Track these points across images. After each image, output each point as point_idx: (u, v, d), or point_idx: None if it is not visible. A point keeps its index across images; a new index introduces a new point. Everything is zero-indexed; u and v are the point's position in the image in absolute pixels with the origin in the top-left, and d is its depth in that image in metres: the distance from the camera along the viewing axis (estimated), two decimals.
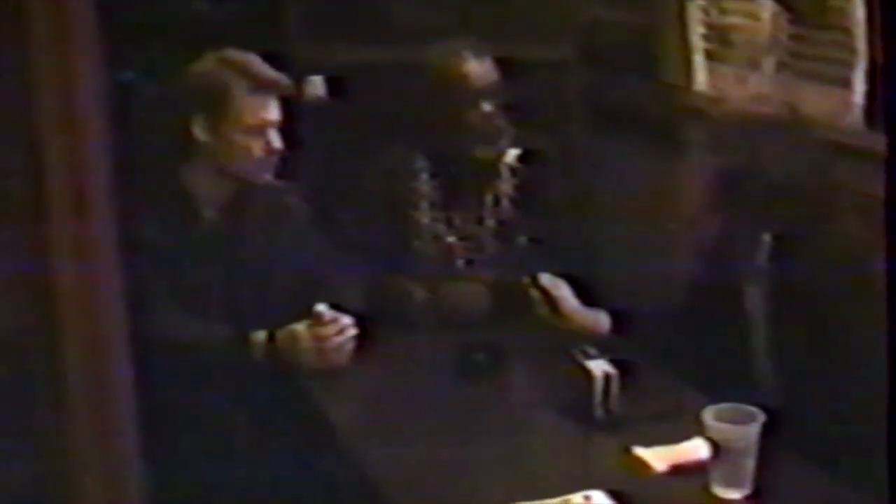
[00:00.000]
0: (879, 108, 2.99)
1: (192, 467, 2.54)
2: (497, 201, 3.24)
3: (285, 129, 2.87)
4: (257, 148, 2.82)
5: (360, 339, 2.79)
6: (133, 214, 2.58)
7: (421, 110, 3.22)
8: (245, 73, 2.80)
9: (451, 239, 3.23)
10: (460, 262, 3.24)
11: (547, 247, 3.16)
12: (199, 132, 2.80)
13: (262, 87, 2.81)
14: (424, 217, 3.22)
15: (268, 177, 2.89)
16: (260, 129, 2.82)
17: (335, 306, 2.79)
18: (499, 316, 3.07)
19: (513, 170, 3.24)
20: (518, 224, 3.23)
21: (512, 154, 3.23)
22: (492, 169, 3.23)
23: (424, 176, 3.23)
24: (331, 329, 2.75)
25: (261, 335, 2.77)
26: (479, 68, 3.18)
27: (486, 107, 3.15)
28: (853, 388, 2.30)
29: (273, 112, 2.83)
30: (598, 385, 2.49)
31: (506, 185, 3.24)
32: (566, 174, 3.36)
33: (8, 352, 1.55)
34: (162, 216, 2.80)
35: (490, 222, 3.23)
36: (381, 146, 3.35)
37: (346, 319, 2.77)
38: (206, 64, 2.85)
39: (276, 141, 2.84)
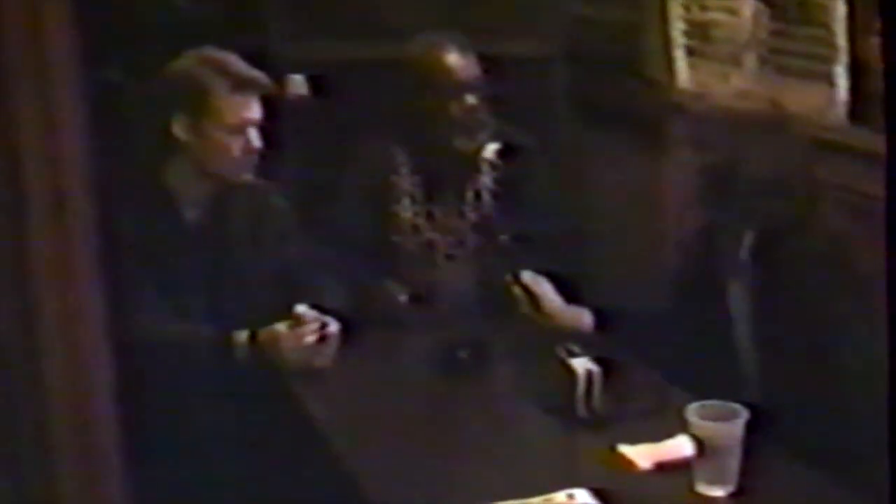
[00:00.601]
0: (869, 107, 2.99)
1: (174, 467, 2.53)
2: (478, 196, 3.24)
3: (267, 127, 2.86)
4: (237, 147, 2.81)
5: (343, 337, 2.79)
6: (114, 214, 2.56)
7: (402, 103, 3.22)
8: (225, 72, 2.79)
9: (431, 234, 3.22)
10: (441, 257, 3.23)
11: (529, 243, 3.16)
12: (180, 131, 2.79)
13: (242, 86, 2.80)
14: (405, 211, 3.22)
15: (247, 176, 2.88)
16: (240, 129, 2.81)
17: (316, 306, 2.78)
18: (482, 313, 3.07)
19: (493, 164, 3.24)
20: (499, 219, 3.22)
21: (491, 148, 3.22)
22: (472, 163, 3.22)
23: (405, 170, 3.23)
24: (311, 329, 2.74)
25: (243, 335, 2.76)
26: (461, 61, 3.19)
27: (469, 99, 3.16)
28: (837, 385, 2.31)
29: (254, 111, 2.82)
30: (582, 383, 2.48)
31: (486, 180, 3.24)
32: (548, 170, 3.36)
33: None
34: (143, 216, 2.79)
35: (471, 216, 3.23)
36: (361, 142, 3.35)
37: (327, 319, 2.76)
38: (186, 62, 2.84)
39: (255, 140, 2.83)
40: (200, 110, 2.78)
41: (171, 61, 2.87)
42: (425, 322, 3.03)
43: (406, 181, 3.22)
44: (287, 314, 2.77)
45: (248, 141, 2.82)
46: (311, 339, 2.75)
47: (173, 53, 2.89)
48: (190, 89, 2.78)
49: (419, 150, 3.23)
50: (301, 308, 2.76)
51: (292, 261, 2.98)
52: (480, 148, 3.21)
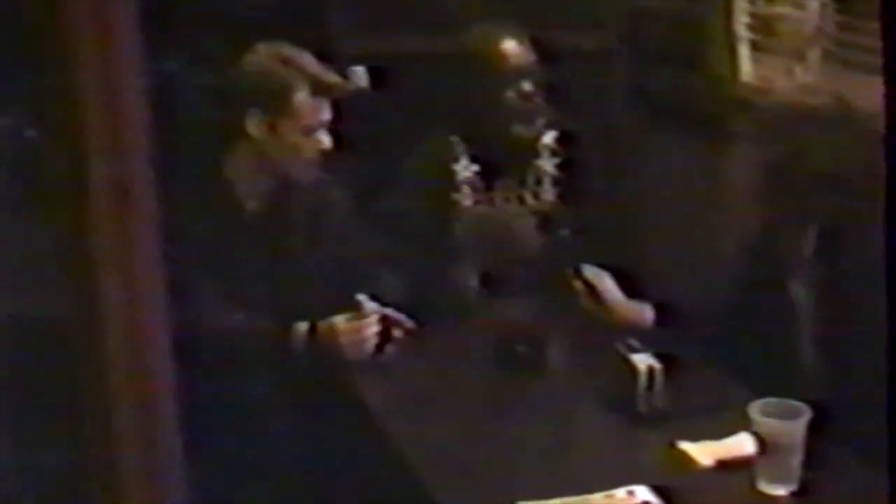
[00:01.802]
0: None
1: (232, 456, 2.54)
2: (539, 182, 3.23)
3: (332, 125, 2.87)
4: (308, 148, 2.83)
5: (402, 330, 2.79)
6: (176, 205, 2.57)
7: (460, 92, 3.22)
8: (306, 74, 2.80)
9: (495, 221, 3.23)
10: (504, 243, 3.24)
11: (589, 237, 3.14)
12: (253, 128, 2.79)
13: (322, 90, 2.81)
14: (467, 200, 3.21)
15: (313, 175, 2.89)
16: (313, 130, 2.82)
17: (376, 298, 2.78)
18: (541, 307, 3.05)
19: (552, 150, 3.23)
20: (560, 208, 3.22)
21: (550, 135, 3.22)
22: (531, 150, 3.22)
23: (465, 159, 3.22)
24: (371, 321, 2.74)
25: (302, 326, 2.77)
26: (516, 48, 3.19)
27: (526, 86, 3.16)
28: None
29: (327, 113, 2.83)
30: (643, 379, 2.46)
31: (547, 166, 3.24)
32: (608, 160, 3.35)
33: (51, 341, 1.55)
34: (205, 207, 2.79)
35: (532, 204, 3.23)
36: (421, 132, 3.35)
37: (388, 311, 2.76)
38: (262, 59, 2.84)
39: (326, 141, 2.84)
40: (278, 109, 2.79)
41: (241, 54, 2.87)
42: (486, 314, 3.02)
43: (466, 170, 3.22)
44: (346, 306, 2.77)
45: (318, 142, 2.83)
46: (370, 331, 2.75)
47: (238, 46, 2.89)
48: (270, 88, 2.80)
49: (478, 139, 3.22)
50: (362, 297, 2.76)
51: (352, 252, 2.98)
52: (539, 135, 3.21)
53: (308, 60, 2.83)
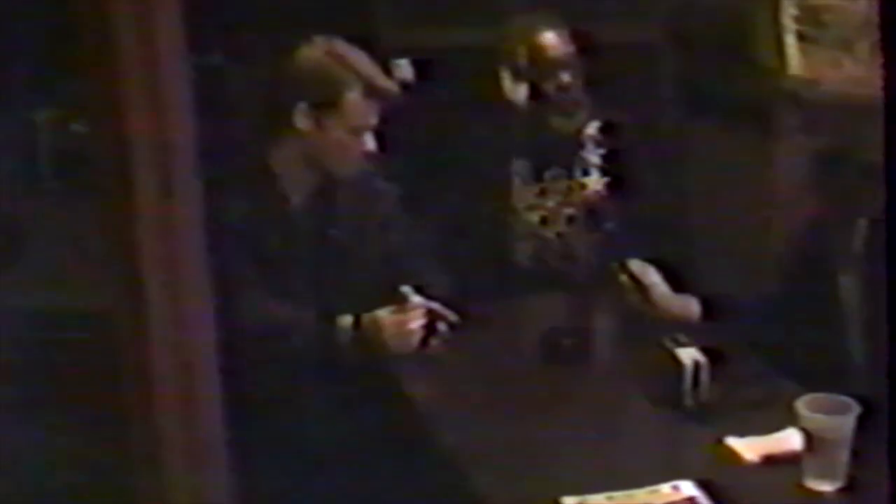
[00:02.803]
0: None
1: (276, 449, 2.54)
2: (586, 173, 3.23)
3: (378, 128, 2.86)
4: (354, 148, 2.82)
5: (447, 323, 2.78)
6: (220, 196, 2.57)
7: (500, 84, 3.21)
8: (360, 75, 2.78)
9: (542, 213, 3.22)
10: (552, 236, 3.24)
11: (636, 230, 3.13)
12: (301, 120, 2.78)
13: (374, 93, 2.80)
14: (516, 191, 3.21)
15: (355, 173, 2.88)
16: (360, 131, 2.81)
17: (421, 290, 2.78)
18: (588, 301, 3.04)
19: (597, 141, 3.23)
20: (607, 200, 3.21)
21: (593, 125, 3.22)
22: (575, 140, 3.22)
23: (513, 152, 3.22)
24: (417, 314, 2.74)
25: (347, 319, 2.76)
26: (554, 39, 3.18)
27: (564, 77, 3.15)
28: None
29: (374, 117, 2.82)
30: (688, 373, 2.45)
31: (592, 157, 3.23)
32: (654, 153, 3.33)
33: (96, 330, 1.56)
34: (250, 199, 2.80)
35: (580, 194, 3.22)
36: (467, 125, 3.35)
37: (433, 304, 2.76)
38: (316, 53, 2.82)
39: (371, 144, 2.83)
40: (329, 107, 2.78)
41: (285, 49, 2.86)
42: (532, 307, 3.01)
43: (514, 161, 3.22)
44: (391, 299, 2.77)
45: (364, 143, 2.82)
46: (415, 324, 2.75)
47: (279, 39, 2.89)
48: (322, 84, 2.78)
49: (524, 131, 3.22)
50: (407, 289, 2.76)
51: (398, 246, 2.97)
52: (581, 126, 3.21)
53: (363, 60, 2.81)
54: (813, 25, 3.69)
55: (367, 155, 2.83)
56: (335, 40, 2.84)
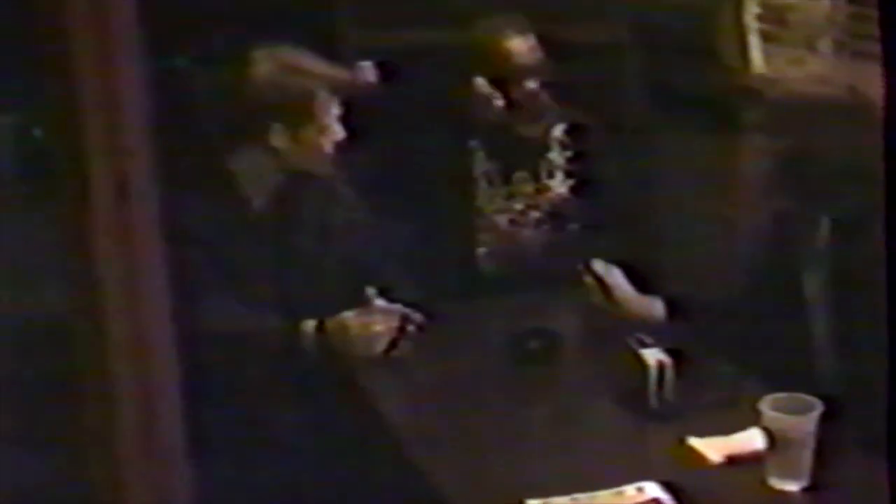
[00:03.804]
0: None
1: (238, 454, 2.53)
2: (551, 175, 3.24)
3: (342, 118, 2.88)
4: (327, 143, 2.84)
5: (413, 326, 2.78)
6: (179, 201, 2.57)
7: (467, 89, 3.22)
8: (319, 78, 2.81)
9: (510, 215, 3.23)
10: (519, 237, 3.24)
11: (600, 231, 3.14)
12: (277, 139, 2.81)
13: (338, 88, 2.83)
14: (483, 195, 3.21)
15: (329, 168, 2.90)
16: (329, 125, 2.83)
17: (386, 293, 2.78)
18: (554, 303, 3.05)
19: (563, 144, 3.23)
20: (572, 201, 3.22)
21: (559, 128, 3.22)
22: (541, 143, 3.22)
23: (480, 154, 3.23)
24: (381, 318, 2.74)
25: (310, 324, 2.76)
26: (521, 45, 3.19)
27: (530, 84, 3.16)
28: None
29: (336, 107, 2.85)
30: (653, 374, 2.45)
31: (557, 159, 3.24)
32: (619, 153, 3.34)
33: (53, 337, 1.55)
34: (210, 204, 2.79)
35: (546, 196, 3.23)
36: (432, 127, 3.35)
37: (395, 307, 2.76)
38: (266, 69, 2.85)
39: (340, 132, 2.85)
40: (300, 118, 2.81)
41: (243, 62, 2.87)
42: (498, 309, 3.01)
43: (481, 164, 3.22)
44: (356, 302, 2.77)
45: (334, 134, 2.84)
46: (381, 327, 2.75)
47: (242, 42, 2.89)
48: (284, 96, 2.81)
49: (490, 134, 3.22)
50: (371, 291, 2.76)
51: (362, 249, 2.98)
52: (547, 129, 3.21)
53: (312, 61, 2.84)
54: (776, 24, 3.70)
55: (339, 143, 2.85)
56: (280, 51, 2.86)
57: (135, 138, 1.35)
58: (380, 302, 2.77)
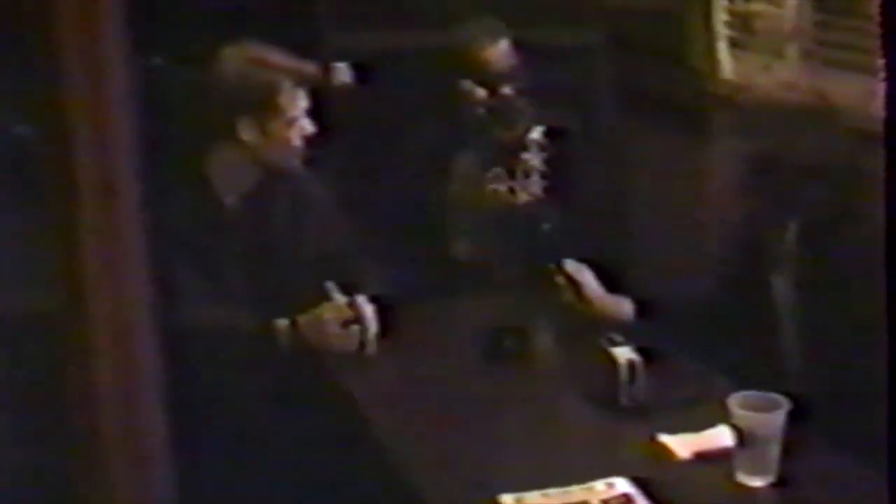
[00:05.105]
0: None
1: (217, 451, 2.54)
2: (527, 175, 3.26)
3: (314, 115, 2.89)
4: (295, 136, 2.85)
5: (386, 323, 2.80)
6: (161, 200, 2.58)
7: (443, 92, 3.24)
8: (285, 71, 2.82)
9: (484, 214, 3.25)
10: (494, 237, 3.26)
11: (573, 231, 3.17)
12: (246, 132, 2.82)
13: (304, 82, 2.84)
14: (457, 194, 3.23)
15: (298, 163, 2.91)
16: (297, 119, 2.85)
17: (360, 292, 2.79)
18: (526, 301, 3.07)
19: (540, 145, 3.26)
20: (547, 201, 3.24)
21: (538, 130, 3.25)
22: (518, 145, 3.25)
23: (454, 155, 3.25)
24: (353, 313, 2.75)
25: (284, 321, 2.78)
26: (497, 52, 3.21)
27: (505, 90, 3.18)
28: (880, 376, 2.29)
29: (304, 100, 2.86)
30: (623, 372, 2.48)
31: (534, 160, 3.26)
32: (592, 156, 3.37)
33: (37, 335, 1.56)
34: (187, 203, 2.81)
35: (521, 196, 3.25)
36: (409, 127, 3.37)
37: (367, 303, 2.78)
38: (235, 62, 2.86)
39: (309, 126, 2.86)
40: (268, 110, 2.82)
41: (219, 54, 2.88)
42: (471, 307, 3.03)
43: (458, 163, 3.25)
44: (328, 299, 2.78)
45: (303, 128, 2.85)
46: (354, 325, 2.76)
47: (221, 41, 2.90)
48: (251, 89, 2.82)
49: (467, 135, 3.25)
50: (330, 285, 2.78)
51: (335, 248, 2.99)
52: (524, 132, 3.24)
53: (279, 56, 2.85)
54: (744, 31, 3.74)
55: (308, 139, 2.86)
56: (249, 44, 2.88)
57: (120, 137, 1.36)
58: (337, 296, 2.78)
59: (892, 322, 1.46)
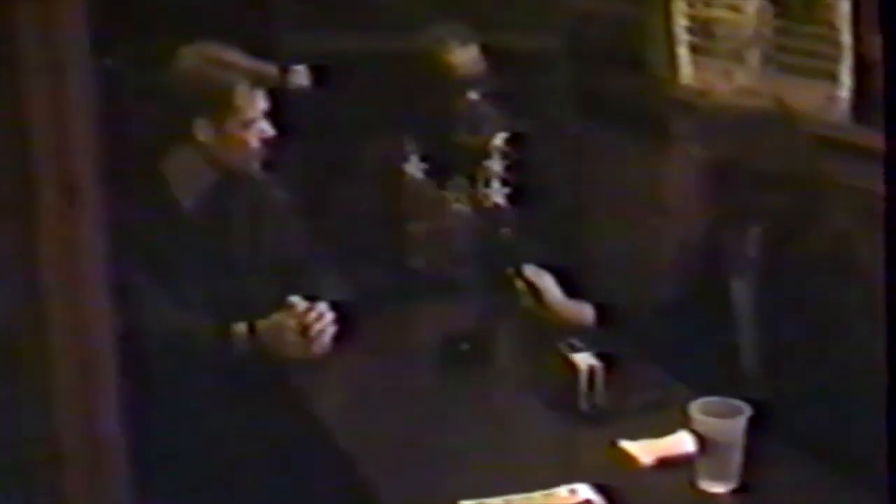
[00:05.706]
0: (873, 106, 2.99)
1: (176, 457, 2.53)
2: (488, 183, 3.26)
3: (271, 118, 2.88)
4: (254, 139, 2.84)
5: (344, 328, 2.79)
6: (120, 204, 2.56)
7: (407, 98, 3.23)
8: (241, 71, 2.81)
9: (443, 220, 3.24)
10: (453, 244, 3.25)
11: (533, 237, 3.16)
12: (202, 134, 2.80)
13: (260, 82, 2.83)
14: (416, 199, 3.22)
15: (257, 166, 2.89)
16: (255, 121, 2.83)
17: (314, 297, 2.78)
18: (485, 307, 3.06)
19: (503, 152, 3.25)
20: (507, 209, 3.24)
21: (500, 136, 3.24)
22: (481, 151, 3.24)
23: (415, 159, 3.24)
24: (310, 318, 2.74)
25: (242, 326, 2.76)
26: (464, 57, 3.20)
27: (472, 95, 3.17)
28: (841, 381, 2.31)
29: (263, 102, 2.85)
30: (584, 378, 2.48)
31: (495, 167, 3.25)
32: (552, 162, 3.37)
33: None
34: (146, 207, 2.79)
35: (482, 203, 3.24)
36: (368, 131, 3.35)
37: (324, 308, 2.76)
38: (192, 62, 2.84)
39: (268, 129, 2.85)
40: (222, 111, 2.80)
41: (172, 58, 2.87)
42: (430, 312, 3.03)
43: (417, 169, 3.23)
44: (287, 305, 2.77)
45: (262, 130, 2.84)
46: (313, 329, 2.75)
47: (177, 43, 2.89)
48: (210, 90, 2.80)
49: (427, 140, 3.23)
50: (294, 298, 2.76)
51: (293, 252, 2.98)
52: (488, 138, 3.23)
53: (237, 56, 2.84)
54: (704, 37, 3.76)
55: (266, 141, 2.85)
56: (206, 45, 2.86)
57: (80, 140, 1.35)
58: (294, 299, 2.77)
59: (892, 324, 1.46)
